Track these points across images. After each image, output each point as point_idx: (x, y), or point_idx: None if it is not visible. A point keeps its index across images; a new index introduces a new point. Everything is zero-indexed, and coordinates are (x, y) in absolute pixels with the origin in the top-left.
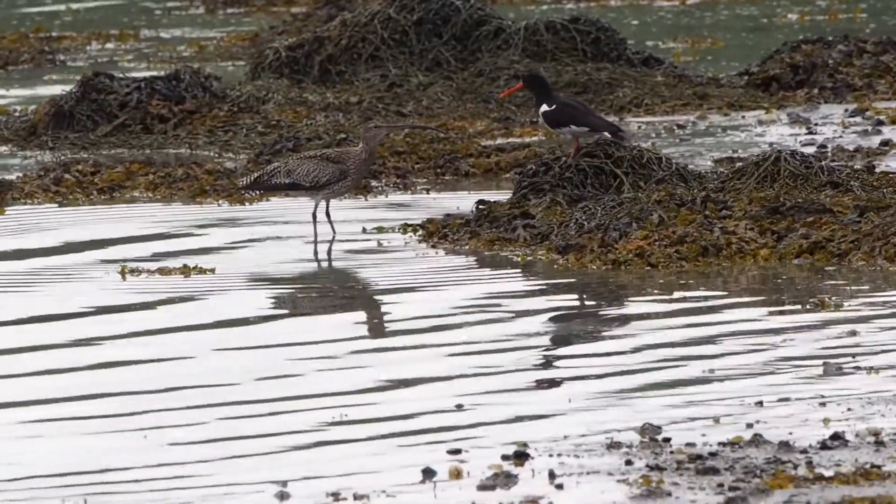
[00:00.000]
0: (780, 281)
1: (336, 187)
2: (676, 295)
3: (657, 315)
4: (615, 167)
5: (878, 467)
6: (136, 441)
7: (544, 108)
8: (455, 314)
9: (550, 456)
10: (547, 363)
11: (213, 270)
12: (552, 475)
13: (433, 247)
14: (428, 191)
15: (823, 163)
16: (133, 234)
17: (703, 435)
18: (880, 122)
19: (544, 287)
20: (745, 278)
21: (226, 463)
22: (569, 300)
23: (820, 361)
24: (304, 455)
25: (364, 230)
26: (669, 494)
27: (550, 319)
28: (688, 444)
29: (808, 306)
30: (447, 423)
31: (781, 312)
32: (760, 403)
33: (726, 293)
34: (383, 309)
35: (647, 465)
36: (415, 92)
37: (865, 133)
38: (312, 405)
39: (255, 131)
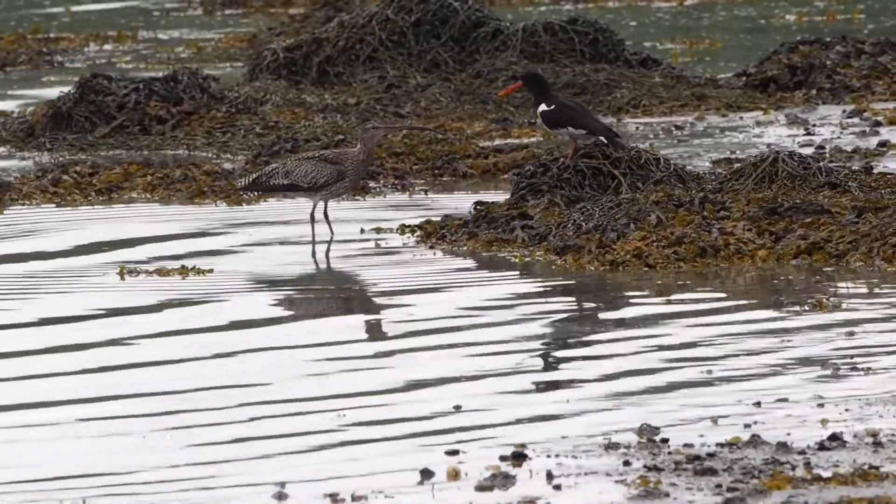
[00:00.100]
0: (777, 282)
1: (334, 188)
2: (674, 296)
3: (655, 316)
4: (613, 168)
5: (876, 468)
6: (137, 443)
7: (543, 107)
8: (452, 315)
9: (548, 457)
10: (544, 364)
11: (210, 271)
12: (550, 476)
13: (431, 248)
14: (426, 192)
15: (821, 164)
16: (132, 235)
17: (702, 436)
18: (878, 123)
19: (542, 288)
20: (742, 279)
21: (224, 466)
22: (566, 301)
23: (818, 362)
24: (303, 456)
25: (362, 231)
26: (667, 495)
27: (548, 320)
28: (686, 445)
29: (805, 307)
30: (445, 424)
31: (779, 313)
32: (758, 404)
33: (724, 294)
34: (380, 311)
35: (645, 466)
36: (413, 93)
37: (863, 134)
38: (311, 406)
39: (253, 132)
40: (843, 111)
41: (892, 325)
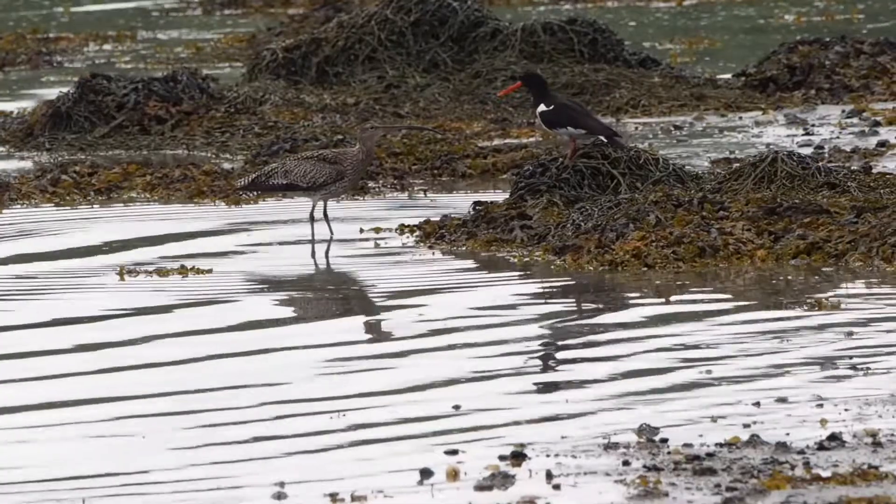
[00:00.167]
0: (776, 282)
1: (333, 188)
2: (673, 296)
3: (654, 316)
4: (612, 168)
5: (876, 468)
6: (137, 444)
7: (542, 107)
8: (451, 315)
9: (548, 456)
10: (543, 364)
11: (210, 271)
12: (549, 475)
13: (430, 248)
14: (425, 192)
15: (820, 164)
16: (131, 235)
17: (701, 435)
18: (877, 123)
19: (540, 288)
20: (741, 279)
21: (225, 467)
22: (565, 301)
23: (817, 362)
24: (302, 456)
25: (361, 231)
26: (667, 495)
27: (547, 320)
28: (685, 445)
29: (805, 307)
30: (444, 424)
31: (778, 313)
32: (758, 404)
33: (723, 294)
34: (379, 311)
35: (645, 466)
36: (412, 93)
37: (862, 134)
38: (310, 407)
39: (253, 132)
40: (842, 111)
41: (892, 325)
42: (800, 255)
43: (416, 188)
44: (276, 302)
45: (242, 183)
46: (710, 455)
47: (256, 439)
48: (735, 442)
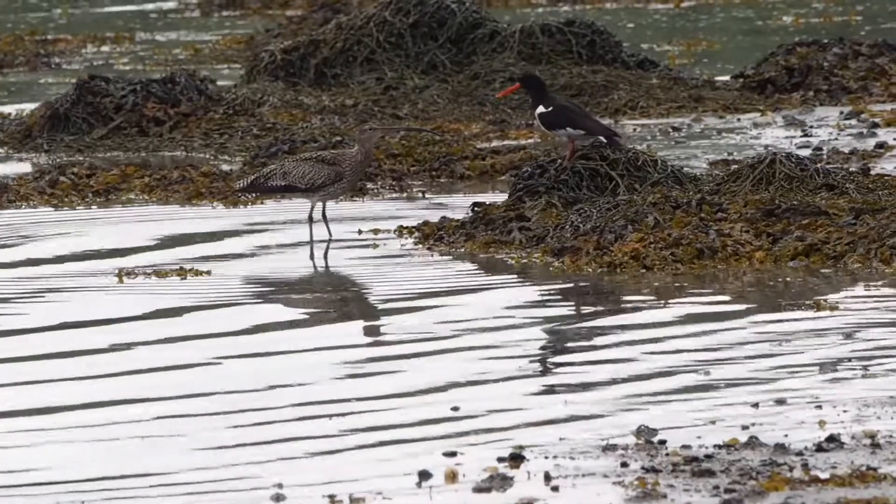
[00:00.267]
0: (775, 283)
1: (332, 189)
2: (672, 297)
3: (652, 317)
4: (610, 169)
5: (874, 469)
6: (136, 446)
7: (541, 109)
8: (449, 316)
9: (546, 458)
10: (542, 365)
11: (208, 273)
12: (548, 477)
13: (429, 249)
14: (423, 193)
15: (819, 165)
16: (129, 236)
17: (699, 437)
18: (875, 125)
19: (539, 289)
20: (740, 281)
21: (223, 468)
22: (563, 303)
23: (815, 364)
24: (300, 458)
25: (360, 232)
26: (665, 496)
27: (545, 322)
28: (683, 447)
29: (803, 308)
30: (443, 426)
31: (777, 315)
32: (756, 405)
33: (721, 296)
34: (378, 312)
35: (643, 468)
36: (410, 95)
37: (861, 135)
38: (309, 408)
39: (251, 134)
40: (841, 113)
41: (890, 326)
42: (798, 257)
43: (414, 189)
44: (275, 306)
45: (241, 184)
46: (708, 457)
47: (256, 441)
48: (733, 443)
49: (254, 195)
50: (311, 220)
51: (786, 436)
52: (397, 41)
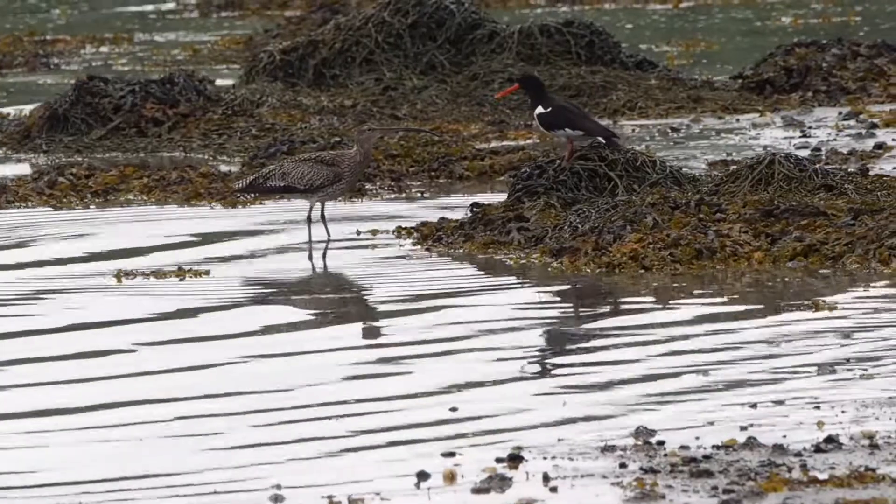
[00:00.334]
0: (773, 284)
1: (330, 190)
2: (670, 298)
3: (651, 318)
4: (609, 170)
5: (873, 470)
6: (134, 448)
7: (539, 110)
8: (448, 318)
9: (545, 459)
10: (540, 366)
11: (207, 273)
12: (546, 478)
13: (427, 250)
14: (422, 194)
15: (817, 166)
16: (127, 237)
17: (697, 438)
18: (874, 126)
19: (538, 290)
20: (739, 281)
21: (223, 472)
22: (562, 303)
23: (814, 364)
24: (299, 458)
25: (358, 233)
26: (663, 497)
27: (543, 322)
28: (682, 447)
29: (802, 309)
30: (441, 427)
31: (775, 315)
32: (754, 406)
33: (720, 296)
34: (376, 313)
35: (641, 468)
36: (409, 95)
37: (859, 136)
38: (308, 409)
39: (250, 135)
40: (840, 113)
41: (888, 327)
42: (797, 258)
43: (413, 190)
44: (273, 307)
45: (240, 185)
46: (706, 457)
47: (255, 444)
48: (732, 444)
49: (253, 196)
50: (309, 220)
51: (784, 436)
52: (396, 42)
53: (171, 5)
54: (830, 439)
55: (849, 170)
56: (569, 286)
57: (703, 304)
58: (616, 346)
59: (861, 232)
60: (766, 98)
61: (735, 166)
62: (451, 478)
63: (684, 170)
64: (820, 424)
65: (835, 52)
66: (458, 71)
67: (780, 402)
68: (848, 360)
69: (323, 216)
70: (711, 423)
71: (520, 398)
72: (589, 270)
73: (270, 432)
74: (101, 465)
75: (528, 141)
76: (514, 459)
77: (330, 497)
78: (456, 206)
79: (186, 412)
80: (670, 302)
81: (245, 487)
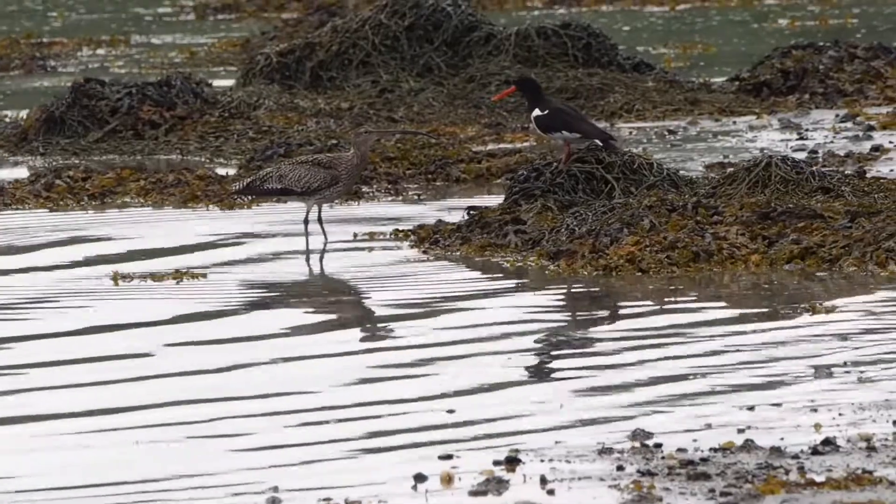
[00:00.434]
0: (770, 286)
1: (327, 193)
2: (667, 300)
3: (648, 321)
4: (606, 173)
5: (870, 472)
6: (131, 451)
7: (537, 112)
8: (445, 320)
9: (542, 461)
10: (537, 369)
11: (204, 276)
12: (544, 480)
13: (424, 252)
14: (419, 196)
15: (814, 168)
16: (125, 240)
17: (695, 440)
18: (871, 128)
19: (534, 293)
20: (736, 284)
21: (219, 471)
22: (559, 305)
23: (811, 367)
24: (295, 459)
25: (355, 236)
26: (661, 500)
27: (540, 324)
28: (679, 450)
29: (799, 312)
30: (439, 429)
31: (772, 318)
32: (752, 408)
33: (717, 299)
34: (373, 316)
35: (639, 471)
36: (406, 98)
37: (856, 138)
38: (304, 413)
39: (247, 137)
40: (836, 115)
41: (886, 330)
42: (794, 260)
43: (410, 193)
44: (269, 311)
45: (237, 187)
46: (704, 460)
47: (253, 447)
48: (729, 447)
49: (249, 198)
50: (306, 223)
51: (782, 439)
52: (393, 44)
53: (167, 8)
54: (828, 442)
55: (846, 172)
56: (566, 289)
57: (700, 306)
58: (612, 349)
59: (858, 234)
60: (763, 100)
61: (732, 169)
62: (448, 480)
63: (681, 172)
64: (817, 427)
65: (832, 55)
66: (454, 73)
67: (777, 405)
68: (845, 363)
69: (320, 219)
70: (709, 426)
71: (517, 401)
72: (586, 273)
73: (268, 435)
74: (97, 469)
75: (525, 143)
76: (512, 462)
77: (327, 500)
78: (453, 208)
79: (184, 417)
80: (667, 305)
81: (242, 490)
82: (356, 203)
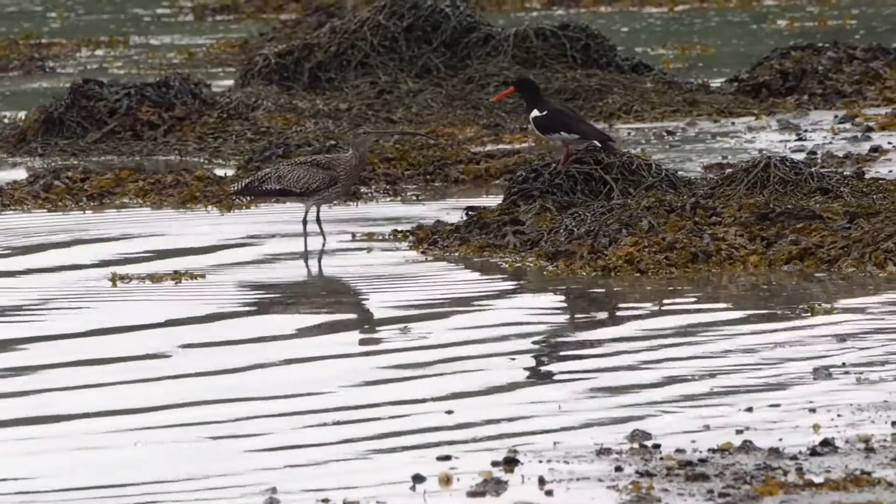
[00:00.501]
0: (769, 287)
1: (326, 193)
2: (666, 301)
3: (646, 322)
4: (605, 173)
5: (868, 473)
6: (128, 453)
7: (535, 113)
8: (444, 321)
9: (540, 462)
10: (536, 370)
11: (203, 276)
12: (542, 481)
13: (423, 253)
14: (418, 197)
15: (813, 169)
16: (123, 240)
17: (693, 441)
18: (870, 129)
19: (534, 294)
20: (734, 285)
21: (217, 471)
22: (558, 307)
23: (809, 368)
24: (295, 461)
25: (354, 237)
26: (659, 501)
27: (539, 326)
28: (678, 451)
29: (797, 312)
30: (437, 430)
31: (771, 319)
32: (750, 409)
33: (716, 300)
34: (372, 315)
35: (637, 472)
36: (404, 98)
37: (855, 139)
38: (304, 415)
39: (245, 138)
40: (835, 116)
41: (884, 330)
42: (792, 261)
43: (408, 193)
44: (267, 313)
45: (235, 188)
46: (702, 461)
47: (252, 448)
48: (728, 448)
49: (248, 199)
50: (305, 224)
51: (780, 440)
52: (391, 45)
53: (165, 9)
54: (826, 443)
55: (844, 173)
56: (564, 289)
57: (698, 307)
58: (610, 350)
59: (857, 235)
60: (762, 101)
61: (731, 170)
62: (446, 481)
63: (680, 173)
64: (816, 428)
65: (831, 56)
66: (453, 74)
67: (775, 406)
68: (843, 364)
69: (318, 219)
70: (707, 427)
71: (515, 402)
72: (584, 274)
73: (267, 437)
74: (94, 473)
75: (524, 144)
76: (510, 463)
77: (326, 500)
78: (451, 209)
79: (183, 419)
80: (665, 306)
81: (241, 493)
82: (355, 204)
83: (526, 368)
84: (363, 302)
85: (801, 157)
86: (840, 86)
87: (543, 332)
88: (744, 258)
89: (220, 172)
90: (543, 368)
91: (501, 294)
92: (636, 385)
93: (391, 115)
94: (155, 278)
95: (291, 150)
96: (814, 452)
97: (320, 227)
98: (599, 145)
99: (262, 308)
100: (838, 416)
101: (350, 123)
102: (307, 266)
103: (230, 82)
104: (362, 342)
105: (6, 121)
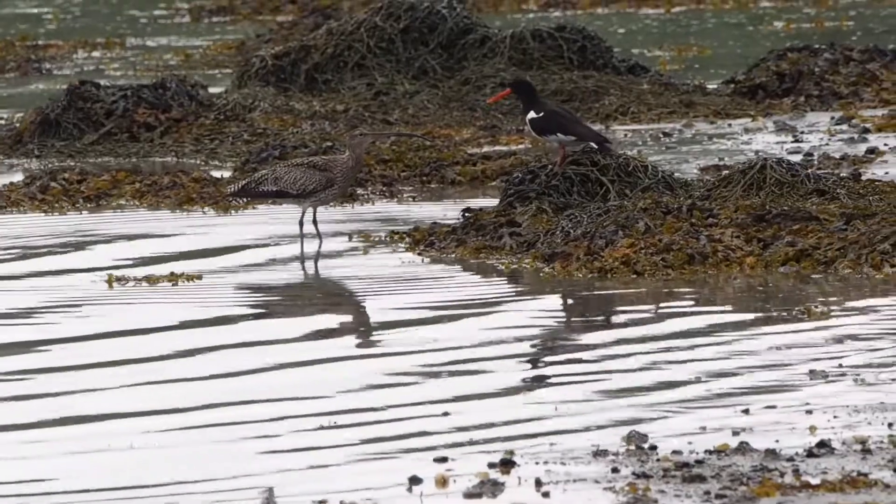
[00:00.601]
0: (766, 289)
1: (323, 195)
2: (662, 303)
3: (643, 323)
4: (601, 175)
5: (865, 475)
6: (127, 454)
7: (532, 114)
8: (442, 322)
9: (537, 464)
10: (533, 371)
11: (199, 278)
12: (539, 483)
13: (420, 254)
14: (414, 199)
15: (809, 171)
16: (120, 242)
17: (690, 443)
18: (866, 130)
19: (530, 296)
20: (731, 286)
21: (215, 472)
22: (555, 308)
23: (806, 369)
24: (292, 462)
25: (350, 238)
26: (656, 502)
27: (536, 328)
28: (674, 452)
29: (794, 314)
30: (434, 432)
31: (767, 320)
32: (747, 411)
33: (712, 301)
34: (369, 317)
35: (634, 473)
36: (401, 100)
37: (851, 141)
38: (301, 418)
39: (242, 139)
40: (832, 118)
41: (881, 332)
42: (789, 263)
43: (405, 195)
44: (264, 316)
45: (232, 190)
46: (699, 462)
47: (250, 450)
48: (724, 449)
49: (245, 200)
50: (301, 225)
51: (777, 441)
52: (388, 46)
53: (162, 10)
54: (823, 444)
55: (841, 174)
56: (560, 291)
57: (694, 309)
58: (607, 351)
59: (853, 237)
60: (759, 103)
61: (727, 171)
62: (443, 483)
63: (676, 175)
64: (812, 429)
65: (827, 57)
66: (450, 76)
67: (772, 407)
68: (840, 366)
69: (315, 221)
70: (704, 429)
71: (511, 404)
72: (581, 275)
73: (265, 439)
74: (92, 475)
75: (520, 146)
76: (507, 464)
77: (322, 502)
78: (448, 210)
79: (183, 423)
80: (662, 307)
81: (240, 495)
82: (351, 205)
83: (522, 369)
84: (360, 304)
85: (797, 158)
86: (837, 87)
87: (539, 334)
88: (740, 260)
89: (216, 174)
90: (539, 369)
91: (498, 296)
92: (632, 387)
93: (388, 117)
94: (152, 280)
95: (288, 152)
96: (810, 454)
97: (317, 229)
98: (596, 147)
99: (258, 310)
100: (835, 417)
101: (346, 125)
102: (304, 268)
103: (227, 84)
104: (358, 345)
105: (2, 122)
